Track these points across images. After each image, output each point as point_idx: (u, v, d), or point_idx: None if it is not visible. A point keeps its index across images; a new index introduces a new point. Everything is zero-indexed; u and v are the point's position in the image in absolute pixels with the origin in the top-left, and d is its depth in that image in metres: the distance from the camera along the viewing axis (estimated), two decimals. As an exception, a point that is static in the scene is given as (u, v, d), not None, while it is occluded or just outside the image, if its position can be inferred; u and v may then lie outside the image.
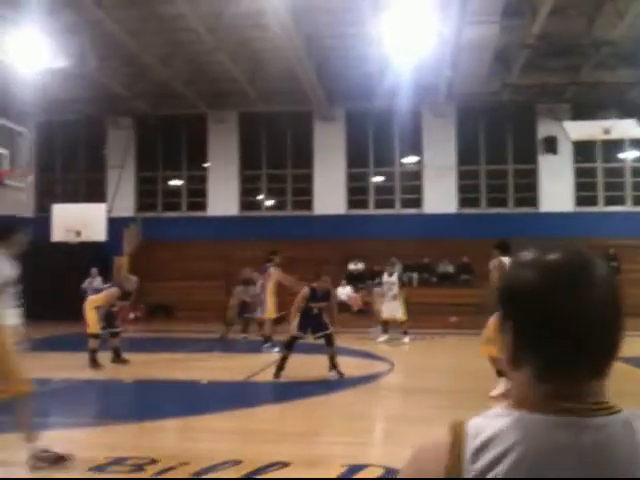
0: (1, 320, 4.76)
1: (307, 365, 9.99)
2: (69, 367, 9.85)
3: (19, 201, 13.59)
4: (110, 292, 10.32)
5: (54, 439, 5.91)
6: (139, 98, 20.52)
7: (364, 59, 17.82)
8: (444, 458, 0.94)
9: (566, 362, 0.93)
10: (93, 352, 9.81)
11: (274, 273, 12.03)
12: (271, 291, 12.12)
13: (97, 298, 10.30)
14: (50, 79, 16.83)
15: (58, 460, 4.76)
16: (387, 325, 14.04)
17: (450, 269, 20.00)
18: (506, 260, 7.57)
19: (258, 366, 10.08)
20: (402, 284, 14.19)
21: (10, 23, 13.15)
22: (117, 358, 10.28)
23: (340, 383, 8.65)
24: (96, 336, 9.88)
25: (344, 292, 18.99)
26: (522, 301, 0.95)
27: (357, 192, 22.51)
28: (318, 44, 17.64)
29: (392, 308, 13.85)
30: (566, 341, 0.92)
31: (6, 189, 12.64)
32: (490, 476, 0.90)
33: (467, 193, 22.05)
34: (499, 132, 21.87)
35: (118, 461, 4.92)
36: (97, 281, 15.88)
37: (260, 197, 23.20)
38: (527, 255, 0.99)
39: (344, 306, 18.84)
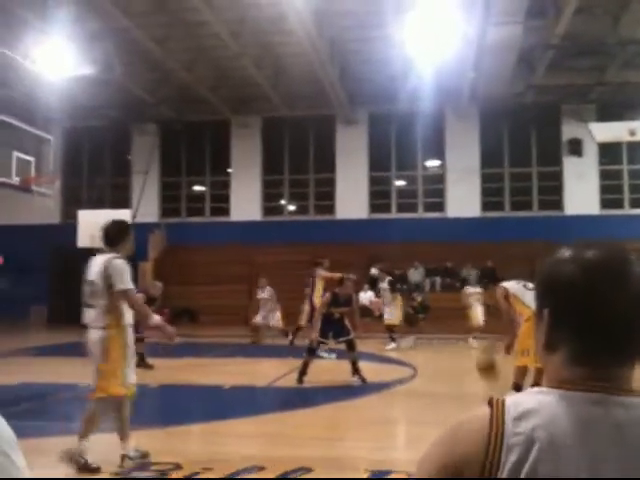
0: (124, 322, 4.94)
1: (330, 370, 9.99)
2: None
3: (46, 207, 13.78)
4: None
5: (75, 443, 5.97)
6: (163, 104, 20.71)
7: (387, 62, 17.79)
8: (486, 426, 1.02)
9: (600, 349, 1.02)
10: None
11: (323, 274, 12.25)
12: (318, 297, 12.10)
13: None
14: (76, 86, 17.06)
15: (88, 469, 4.83)
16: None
17: (474, 273, 19.83)
18: (509, 284, 7.64)
19: (282, 371, 10.08)
20: (393, 289, 14.36)
21: (37, 31, 13.36)
22: (141, 362, 10.36)
23: (363, 388, 8.62)
24: None
25: (366, 297, 18.94)
26: (562, 293, 1.05)
27: (379, 196, 22.45)
28: (341, 48, 17.66)
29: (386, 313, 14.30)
30: (601, 331, 1.01)
31: (33, 196, 12.82)
32: (530, 442, 0.98)
33: (491, 196, 21.88)
34: (523, 134, 21.68)
35: (143, 466, 4.95)
36: None
37: (283, 202, 23.26)
38: (568, 251, 1.08)
39: (366, 311, 18.81)
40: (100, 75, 16.47)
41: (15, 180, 12.28)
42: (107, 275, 4.79)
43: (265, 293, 14.61)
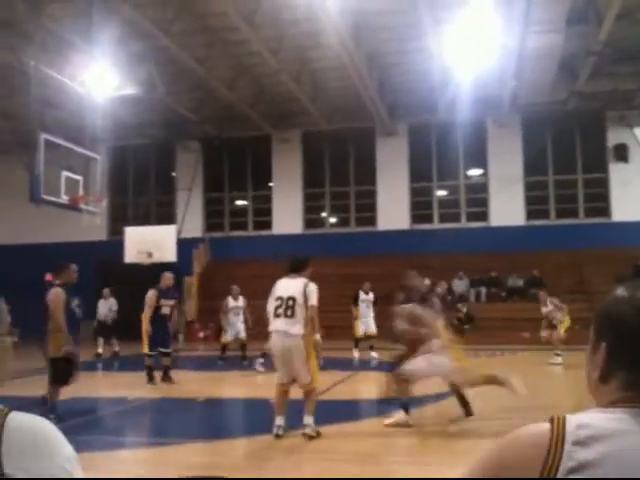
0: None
1: (377, 383, 9.94)
2: (145, 386, 10.12)
3: (94, 225, 14.14)
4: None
5: (128, 457, 6.10)
6: (206, 121, 21.07)
7: (426, 73, 17.79)
8: (544, 443, 1.01)
9: None
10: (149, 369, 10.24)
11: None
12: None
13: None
14: (121, 106, 17.51)
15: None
16: (359, 341, 14.04)
17: (520, 283, 19.53)
18: (413, 308, 7.53)
19: (326, 385, 10.10)
20: (376, 301, 14.11)
21: (84, 54, 13.78)
22: (165, 376, 10.40)
23: (410, 402, 8.56)
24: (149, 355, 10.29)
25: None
26: (619, 331, 1.10)
27: (421, 206, 22.35)
28: (379, 61, 17.73)
29: (369, 324, 13.91)
30: None
31: (82, 214, 13.18)
32: (593, 466, 0.98)
33: (535, 204, 21.56)
34: (567, 141, 21.34)
35: None
36: (110, 302, 15.63)
37: (324, 214, 23.35)
38: (625, 291, 1.14)
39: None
40: (144, 95, 16.88)
41: (64, 199, 12.65)
42: (307, 293, 6.44)
43: (240, 302, 13.60)
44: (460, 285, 20.07)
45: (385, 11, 14.70)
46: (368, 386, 10.41)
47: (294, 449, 6.19)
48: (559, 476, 0.98)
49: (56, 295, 7.59)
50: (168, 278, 10.58)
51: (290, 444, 6.43)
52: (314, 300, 6.44)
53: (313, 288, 6.51)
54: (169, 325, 10.53)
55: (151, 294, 10.25)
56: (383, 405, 8.07)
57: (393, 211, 21.95)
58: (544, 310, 12.82)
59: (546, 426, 1.04)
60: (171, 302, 10.51)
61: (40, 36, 13.98)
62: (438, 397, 8.95)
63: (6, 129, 20.40)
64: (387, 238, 21.22)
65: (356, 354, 13.87)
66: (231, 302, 13.37)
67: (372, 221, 22.48)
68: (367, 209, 22.66)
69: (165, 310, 10.34)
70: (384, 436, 6.84)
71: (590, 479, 0.98)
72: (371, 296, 14.20)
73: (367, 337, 13.93)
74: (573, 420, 1.03)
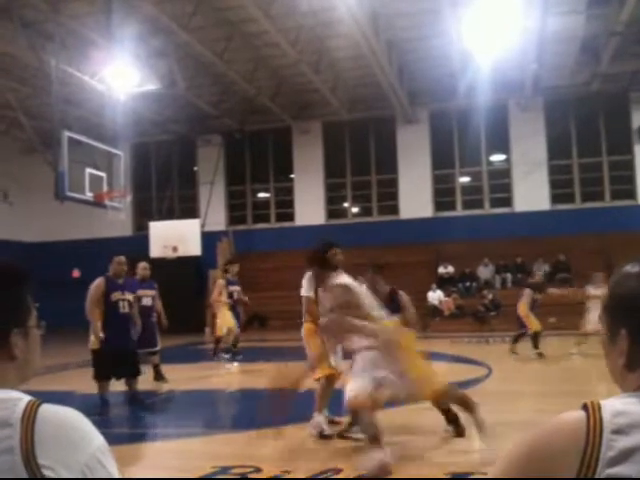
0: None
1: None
2: (181, 379, 10.20)
3: (118, 221, 14.27)
4: None
5: (163, 449, 6.18)
6: (226, 115, 21.12)
7: (445, 58, 17.63)
8: (582, 433, 0.97)
9: None
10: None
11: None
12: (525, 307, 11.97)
13: None
14: (142, 102, 17.63)
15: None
16: None
17: (546, 268, 19.35)
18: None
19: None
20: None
21: (104, 51, 13.87)
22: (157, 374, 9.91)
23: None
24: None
25: (435, 296, 18.77)
26: (638, 313, 1.03)
27: (444, 194, 22.21)
28: (398, 47, 17.60)
29: None
30: None
31: (106, 210, 13.31)
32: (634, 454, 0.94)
33: (560, 188, 21.31)
34: (591, 124, 21.02)
35: (224, 470, 5.07)
36: None
37: (346, 204, 23.31)
38: (632, 269, 1.08)
39: (436, 310, 18.65)
40: (164, 90, 16.96)
41: (89, 195, 12.78)
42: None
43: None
44: (485, 272, 19.95)
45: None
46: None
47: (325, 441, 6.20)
48: (600, 468, 0.95)
49: (93, 286, 7.57)
50: (143, 268, 9.98)
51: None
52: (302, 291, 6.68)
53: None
54: (151, 320, 9.74)
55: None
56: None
57: (415, 199, 21.84)
58: (597, 292, 11.83)
59: (581, 414, 1.00)
60: (151, 292, 9.90)
61: (60, 35, 14.09)
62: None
63: (30, 128, 20.63)
64: (410, 227, 21.14)
65: None
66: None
67: (394, 210, 22.39)
68: (389, 198, 22.58)
69: (145, 301, 9.67)
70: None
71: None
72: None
73: None
74: (608, 407, 1.00)
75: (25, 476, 1.10)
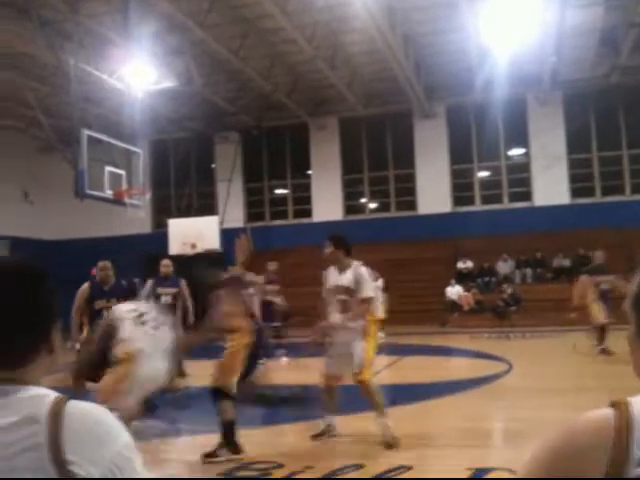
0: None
1: (422, 367, 9.92)
2: (200, 375, 10.25)
3: (138, 219, 14.37)
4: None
5: (185, 445, 6.21)
6: (243, 112, 21.16)
7: (463, 52, 17.52)
8: (610, 431, 0.94)
9: None
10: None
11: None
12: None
13: None
14: (160, 100, 17.72)
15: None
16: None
17: (566, 263, 19.18)
18: None
19: (374, 369, 10.09)
20: (386, 287, 14.67)
21: (121, 50, 13.95)
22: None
23: (458, 385, 8.51)
24: None
25: (454, 292, 18.69)
26: None
27: (462, 188, 22.10)
28: (414, 42, 17.51)
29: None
30: None
31: (126, 208, 13.40)
32: None
33: (580, 182, 21.10)
34: (611, 117, 20.78)
35: (246, 465, 5.09)
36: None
37: (363, 200, 23.27)
38: None
39: (455, 306, 18.57)
40: (182, 88, 17.02)
41: (108, 193, 12.87)
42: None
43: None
44: (504, 267, 19.83)
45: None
46: (413, 371, 10.38)
47: (346, 433, 6.20)
48: (629, 467, 0.92)
49: (79, 292, 7.66)
50: (164, 265, 9.88)
51: (340, 428, 6.44)
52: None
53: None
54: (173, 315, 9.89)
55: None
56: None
57: (434, 194, 21.76)
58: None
59: (609, 412, 0.97)
60: (172, 290, 9.81)
61: (79, 34, 14.20)
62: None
63: (49, 126, 20.82)
64: (428, 222, 21.06)
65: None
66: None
67: (412, 205, 22.32)
68: (407, 193, 22.50)
69: (165, 300, 9.59)
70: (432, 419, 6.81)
71: None
72: (380, 282, 14.49)
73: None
74: (637, 405, 0.97)
75: (52, 473, 1.10)
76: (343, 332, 5.71)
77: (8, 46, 14.95)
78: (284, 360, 11.83)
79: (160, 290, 9.63)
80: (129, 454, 1.18)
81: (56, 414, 1.14)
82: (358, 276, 5.69)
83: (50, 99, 19.09)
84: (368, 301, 5.70)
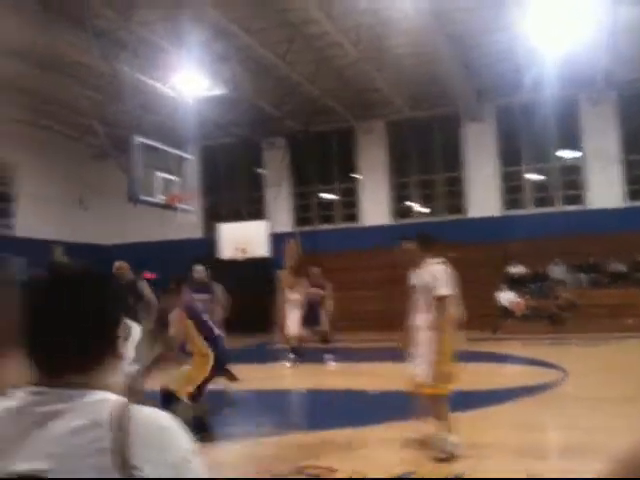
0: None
1: (475, 374, 9.75)
2: (249, 379, 10.34)
3: (189, 223, 14.60)
4: None
5: (235, 449, 6.26)
6: (290, 117, 21.28)
7: (511, 53, 17.22)
8: None
9: None
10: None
11: None
12: None
13: None
14: (209, 106, 17.95)
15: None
16: None
17: (622, 267, 18.64)
18: None
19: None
20: None
21: (172, 58, 14.22)
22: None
23: (512, 393, 8.35)
24: None
25: (505, 297, 18.39)
26: None
27: (512, 191, 21.71)
28: (462, 43, 17.29)
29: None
30: None
31: (178, 213, 13.63)
32: None
33: (636, 184, 20.48)
34: (669, 116, 20.12)
35: (298, 470, 5.09)
36: None
37: (411, 204, 23.11)
38: None
39: (506, 312, 18.25)
40: (230, 94, 17.22)
41: (160, 198, 13.11)
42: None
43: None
44: (557, 271, 19.39)
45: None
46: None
47: (397, 440, 6.15)
48: None
49: None
50: (196, 271, 10.03)
51: (391, 435, 6.38)
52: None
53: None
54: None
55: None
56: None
57: (483, 197, 21.45)
58: None
59: None
60: (205, 297, 9.85)
61: (132, 43, 14.52)
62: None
63: (103, 134, 21.35)
64: (478, 225, 20.77)
65: None
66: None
67: (461, 208, 22.05)
68: (455, 196, 22.25)
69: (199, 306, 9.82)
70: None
71: None
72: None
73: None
74: None
75: (116, 477, 1.11)
76: (422, 333, 5.47)
77: (64, 56, 15.38)
78: (332, 365, 11.83)
79: (194, 297, 9.75)
80: (192, 459, 1.19)
81: (121, 419, 1.16)
82: (433, 273, 5.46)
83: (104, 107, 19.55)
84: (442, 299, 5.38)
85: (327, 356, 12.01)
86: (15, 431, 1.18)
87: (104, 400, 1.20)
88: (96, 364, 1.26)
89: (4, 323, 1.58)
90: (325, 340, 12.37)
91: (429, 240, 5.77)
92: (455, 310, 5.49)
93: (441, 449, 5.32)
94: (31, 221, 21.48)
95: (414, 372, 5.52)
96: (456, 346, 5.47)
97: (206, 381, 6.05)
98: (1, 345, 2.15)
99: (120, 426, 1.14)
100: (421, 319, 5.48)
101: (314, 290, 12.22)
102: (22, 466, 1.14)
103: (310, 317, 12.09)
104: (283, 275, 17.80)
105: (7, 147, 20.36)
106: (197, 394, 5.92)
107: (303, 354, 12.33)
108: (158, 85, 15.46)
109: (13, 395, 1.24)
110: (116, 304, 1.33)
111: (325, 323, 12.28)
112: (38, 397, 1.21)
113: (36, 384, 1.24)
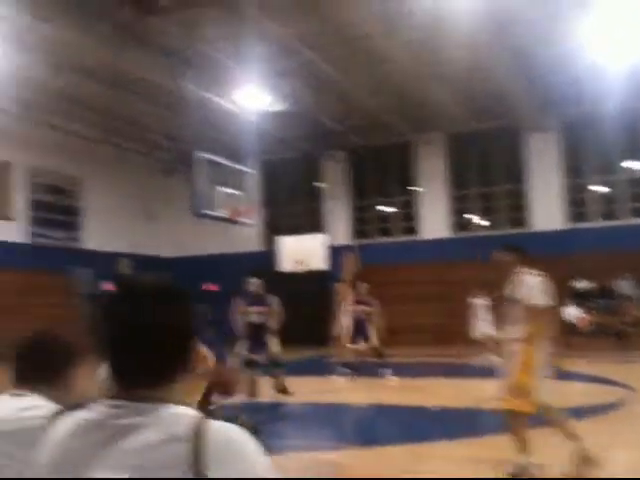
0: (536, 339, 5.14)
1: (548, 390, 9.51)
2: (303, 392, 10.38)
3: (250, 236, 14.81)
4: None
5: (289, 461, 6.29)
6: (350, 131, 21.37)
7: (574, 64, 16.85)
8: None
9: None
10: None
11: None
12: None
13: None
14: (270, 121, 18.22)
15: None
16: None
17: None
18: None
19: (488, 392, 9.81)
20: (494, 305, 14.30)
21: (235, 74, 14.52)
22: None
23: (580, 411, 8.11)
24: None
25: (570, 313, 17.91)
26: None
27: (577, 204, 21.18)
28: (524, 55, 17.03)
29: (485, 327, 14.60)
30: None
31: (239, 226, 13.86)
32: None
33: None
34: None
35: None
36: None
37: (472, 217, 22.83)
38: None
39: (572, 328, 17.75)
40: (291, 109, 17.44)
41: (223, 212, 13.37)
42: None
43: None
44: (624, 286, 18.75)
45: (528, 3, 14.11)
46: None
47: (458, 458, 6.07)
48: None
49: None
50: (252, 284, 10.22)
51: (452, 453, 6.30)
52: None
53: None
54: (263, 333, 10.10)
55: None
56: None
57: (546, 210, 21.00)
58: None
59: None
60: (261, 309, 10.13)
61: (195, 59, 14.91)
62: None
63: (170, 149, 21.95)
64: (540, 239, 20.30)
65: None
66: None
67: (523, 222, 21.64)
68: (517, 209, 21.86)
69: (254, 318, 10.02)
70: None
71: None
72: (487, 301, 14.92)
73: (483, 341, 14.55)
74: None
75: None
76: (513, 346, 5.24)
77: (131, 74, 15.90)
78: (392, 379, 11.75)
79: (249, 309, 9.95)
80: (267, 474, 1.20)
81: (198, 433, 1.17)
82: (529, 284, 5.28)
83: (170, 123, 20.09)
84: (535, 311, 5.12)
85: (385, 370, 11.95)
86: (94, 443, 1.21)
87: (181, 414, 1.22)
88: (171, 378, 1.28)
89: (80, 335, 1.63)
90: (379, 355, 12.34)
91: (523, 251, 5.63)
92: (550, 324, 5.26)
93: (514, 468, 5.19)
94: (97, 234, 22.21)
95: (501, 386, 5.31)
96: (545, 361, 5.17)
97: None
98: (77, 356, 2.26)
99: (197, 440, 1.16)
100: (514, 332, 5.29)
101: (359, 308, 12.27)
102: (100, 475, 1.17)
103: (358, 333, 12.11)
104: (341, 288, 17.82)
105: (76, 161, 21.18)
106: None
107: (358, 368, 12.33)
108: (221, 101, 15.78)
109: (92, 407, 1.27)
110: (190, 319, 1.33)
111: (374, 339, 12.23)
112: (117, 410, 1.23)
113: (114, 397, 1.26)
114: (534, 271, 5.44)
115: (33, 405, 1.96)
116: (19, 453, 1.79)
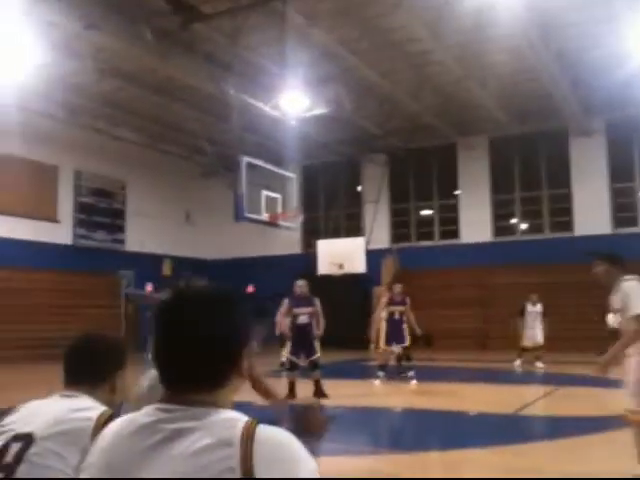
0: None
1: (582, 398, 9.38)
2: (341, 395, 10.42)
3: (290, 240, 14.92)
4: None
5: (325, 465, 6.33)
6: (391, 134, 21.34)
7: (621, 66, 16.50)
8: None
9: None
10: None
11: None
12: None
13: None
14: (311, 126, 18.33)
15: None
16: (524, 352, 14.84)
17: None
18: None
19: (529, 398, 9.71)
20: (545, 312, 15.00)
21: (277, 79, 14.65)
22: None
23: (617, 420, 7.95)
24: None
25: (615, 320, 17.52)
26: None
27: (624, 208, 20.72)
28: (570, 57, 16.77)
29: (533, 335, 14.76)
30: None
31: (280, 230, 13.98)
32: None
33: None
34: None
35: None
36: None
37: (514, 221, 22.53)
38: None
39: (616, 335, 17.36)
40: (332, 113, 17.51)
41: (265, 216, 13.51)
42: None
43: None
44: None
45: (574, 6, 13.91)
46: (573, 402, 9.84)
47: (494, 465, 6.03)
48: None
49: None
50: (298, 285, 10.40)
51: (489, 460, 6.27)
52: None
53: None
54: (309, 335, 10.24)
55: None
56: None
57: (592, 215, 20.59)
58: None
59: None
60: (307, 310, 10.27)
61: (238, 65, 15.10)
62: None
63: (211, 153, 22.25)
64: (586, 244, 19.89)
65: (517, 364, 14.81)
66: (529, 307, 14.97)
67: (568, 226, 21.27)
68: (562, 214, 21.49)
69: (302, 319, 10.21)
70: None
71: None
72: (539, 307, 14.93)
73: (534, 349, 14.80)
74: None
75: None
76: (629, 359, 4.88)
77: (174, 79, 16.21)
78: (413, 383, 11.70)
79: (296, 310, 10.17)
80: (314, 477, 1.22)
81: (248, 438, 1.19)
82: (626, 291, 4.86)
83: (212, 127, 20.39)
84: (637, 319, 4.71)
85: (410, 374, 11.93)
86: (144, 446, 1.23)
87: (232, 419, 1.25)
88: (222, 383, 1.31)
89: (123, 336, 1.65)
90: (407, 357, 12.36)
91: (619, 257, 5.23)
92: None
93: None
94: (140, 236, 22.61)
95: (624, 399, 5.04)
96: None
97: None
98: (126, 357, 2.33)
99: (247, 445, 1.18)
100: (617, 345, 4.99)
101: (394, 308, 12.28)
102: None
103: (392, 335, 12.11)
104: (380, 291, 17.81)
105: (120, 165, 21.64)
106: None
107: (391, 371, 12.39)
108: (262, 106, 15.95)
109: (144, 410, 1.30)
110: (243, 325, 1.36)
111: (407, 339, 12.25)
112: (167, 414, 1.26)
113: (165, 401, 1.29)
114: (632, 276, 5.03)
115: (83, 406, 1.98)
116: (69, 454, 1.81)
